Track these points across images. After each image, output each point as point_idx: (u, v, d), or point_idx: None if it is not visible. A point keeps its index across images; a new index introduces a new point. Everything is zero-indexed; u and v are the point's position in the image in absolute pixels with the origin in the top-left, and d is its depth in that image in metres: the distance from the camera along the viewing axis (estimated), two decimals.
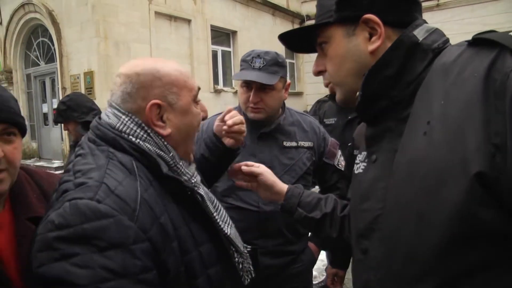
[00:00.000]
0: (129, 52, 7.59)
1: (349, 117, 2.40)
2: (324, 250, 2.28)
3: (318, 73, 0.89)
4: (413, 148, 0.68)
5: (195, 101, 0.98)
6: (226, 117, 1.24)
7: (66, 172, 0.85)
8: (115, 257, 0.71)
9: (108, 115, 0.92)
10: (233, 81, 10.01)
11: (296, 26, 11.54)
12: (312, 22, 0.88)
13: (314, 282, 2.89)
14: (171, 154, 0.91)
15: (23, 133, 0.96)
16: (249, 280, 1.05)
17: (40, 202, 0.97)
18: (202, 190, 0.98)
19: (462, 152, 0.59)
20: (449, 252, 0.61)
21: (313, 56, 0.90)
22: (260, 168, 1.20)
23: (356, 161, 0.90)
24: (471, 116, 0.59)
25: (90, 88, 7.38)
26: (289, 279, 1.65)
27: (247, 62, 1.58)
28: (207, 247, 0.92)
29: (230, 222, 1.04)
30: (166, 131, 0.91)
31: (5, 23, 8.99)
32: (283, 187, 1.17)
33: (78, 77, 7.62)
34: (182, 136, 0.95)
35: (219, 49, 10.18)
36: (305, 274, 1.75)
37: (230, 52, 10.55)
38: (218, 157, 1.28)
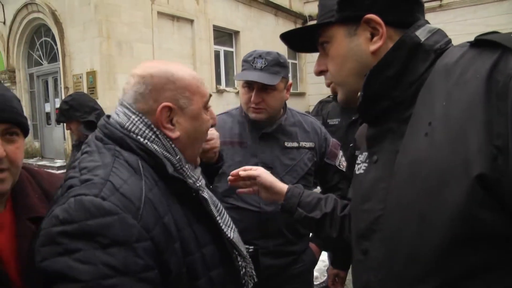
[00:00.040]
0: (131, 52, 7.61)
1: (353, 118, 2.40)
2: (325, 250, 2.27)
3: (319, 73, 0.89)
4: (414, 149, 0.68)
5: (206, 107, 0.99)
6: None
7: (72, 168, 0.86)
8: (118, 254, 0.71)
9: (118, 114, 0.92)
10: (235, 81, 10.02)
11: (299, 26, 11.52)
12: (315, 22, 0.87)
13: (315, 283, 2.89)
14: (177, 157, 0.92)
15: (25, 133, 0.96)
16: (252, 285, 1.05)
17: (41, 202, 0.97)
18: (207, 194, 0.98)
19: (464, 153, 0.59)
20: (450, 253, 0.61)
21: (316, 56, 0.90)
22: (257, 171, 1.20)
23: (357, 162, 0.90)
24: (473, 117, 0.59)
25: (92, 87, 7.40)
26: (290, 279, 1.64)
27: (248, 62, 1.58)
28: (210, 249, 0.92)
29: (233, 226, 1.04)
30: (175, 134, 0.91)
31: (8, 22, 9.04)
32: (283, 187, 1.17)
33: (80, 77, 7.65)
34: (190, 140, 0.95)
35: (222, 49, 10.19)
36: (306, 275, 1.75)
37: (232, 52, 10.56)
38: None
